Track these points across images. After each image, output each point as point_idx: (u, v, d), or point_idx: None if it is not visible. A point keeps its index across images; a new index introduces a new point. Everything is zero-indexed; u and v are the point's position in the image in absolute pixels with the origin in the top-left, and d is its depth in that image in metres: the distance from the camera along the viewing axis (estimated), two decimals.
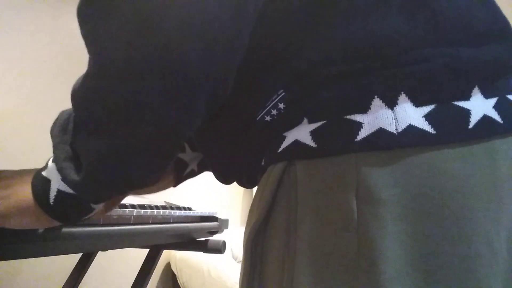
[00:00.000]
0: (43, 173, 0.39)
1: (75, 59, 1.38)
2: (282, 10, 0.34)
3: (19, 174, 0.41)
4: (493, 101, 0.33)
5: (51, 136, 0.39)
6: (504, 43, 0.35)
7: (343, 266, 0.30)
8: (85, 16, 0.31)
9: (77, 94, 0.35)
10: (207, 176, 0.64)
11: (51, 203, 0.38)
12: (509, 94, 0.34)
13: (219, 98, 0.34)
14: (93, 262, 1.07)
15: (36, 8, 1.34)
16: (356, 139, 0.31)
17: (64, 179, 0.37)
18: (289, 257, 0.33)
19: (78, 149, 0.36)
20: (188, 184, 0.57)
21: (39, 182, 0.39)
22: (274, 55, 0.35)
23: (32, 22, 1.32)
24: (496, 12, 0.36)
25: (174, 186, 0.55)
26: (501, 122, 0.32)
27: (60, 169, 0.37)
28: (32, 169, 0.41)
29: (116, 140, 0.34)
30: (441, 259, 0.29)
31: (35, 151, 1.27)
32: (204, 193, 2.19)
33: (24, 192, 0.39)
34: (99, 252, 1.06)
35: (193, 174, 0.56)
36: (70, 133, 0.37)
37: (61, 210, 0.39)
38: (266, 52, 0.35)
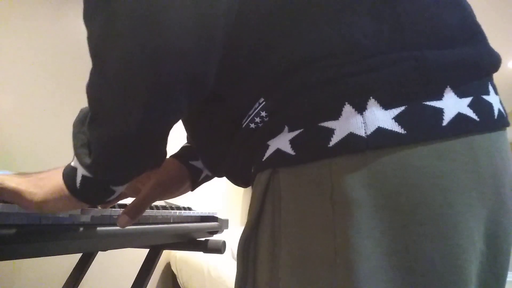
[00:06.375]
0: (72, 163, 0.45)
1: (75, 60, 1.38)
2: (256, 13, 0.36)
3: (44, 171, 0.47)
4: (467, 100, 0.33)
5: (73, 127, 0.45)
6: (474, 46, 0.35)
7: (323, 266, 0.32)
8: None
9: (86, 89, 0.40)
10: None
11: (78, 187, 0.43)
12: (485, 95, 0.35)
13: (200, 88, 0.36)
14: (93, 262, 1.07)
15: (37, 8, 1.34)
16: (328, 145, 0.32)
17: (80, 163, 0.42)
18: (275, 260, 0.35)
19: (89, 137, 0.41)
20: None
21: (69, 171, 0.44)
22: (253, 58, 0.36)
23: (32, 22, 1.32)
24: (468, 17, 0.37)
25: (192, 190, 0.59)
26: (478, 119, 0.33)
27: (76, 155, 0.43)
28: (51, 168, 0.47)
29: (112, 128, 0.38)
30: (421, 255, 0.30)
31: (35, 151, 1.27)
32: (204, 193, 2.19)
33: (56, 181, 0.44)
34: (99, 252, 1.06)
35: (208, 178, 0.59)
36: (86, 124, 0.42)
37: (86, 193, 0.44)
38: (245, 55, 0.37)
